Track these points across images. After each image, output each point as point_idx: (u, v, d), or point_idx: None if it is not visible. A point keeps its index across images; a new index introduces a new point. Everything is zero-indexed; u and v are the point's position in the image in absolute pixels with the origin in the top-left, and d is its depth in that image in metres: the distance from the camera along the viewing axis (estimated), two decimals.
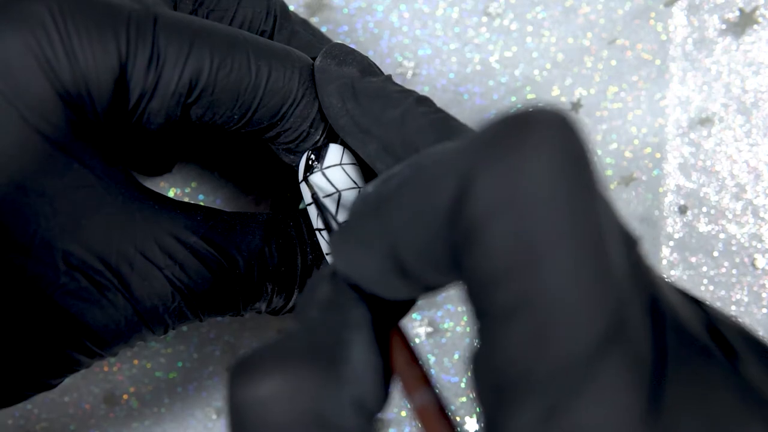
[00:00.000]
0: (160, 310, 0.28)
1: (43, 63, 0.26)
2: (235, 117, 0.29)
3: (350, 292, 0.20)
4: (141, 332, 0.28)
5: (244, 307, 0.30)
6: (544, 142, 0.15)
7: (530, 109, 0.16)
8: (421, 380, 0.19)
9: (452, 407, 0.19)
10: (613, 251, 0.16)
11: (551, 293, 0.15)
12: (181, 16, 0.28)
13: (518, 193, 0.15)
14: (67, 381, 0.37)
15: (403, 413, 0.38)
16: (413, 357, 0.20)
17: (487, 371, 0.16)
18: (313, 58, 0.30)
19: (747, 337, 0.19)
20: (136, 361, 0.38)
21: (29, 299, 0.27)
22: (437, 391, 0.19)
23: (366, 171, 0.30)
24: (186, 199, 0.38)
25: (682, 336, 0.17)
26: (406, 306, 0.21)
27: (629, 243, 0.17)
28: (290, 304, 0.31)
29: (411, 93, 0.28)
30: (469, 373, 0.17)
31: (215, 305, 0.29)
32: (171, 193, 0.38)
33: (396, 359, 0.20)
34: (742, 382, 0.17)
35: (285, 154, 0.31)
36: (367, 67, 0.28)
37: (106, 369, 0.38)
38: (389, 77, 0.28)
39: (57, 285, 0.27)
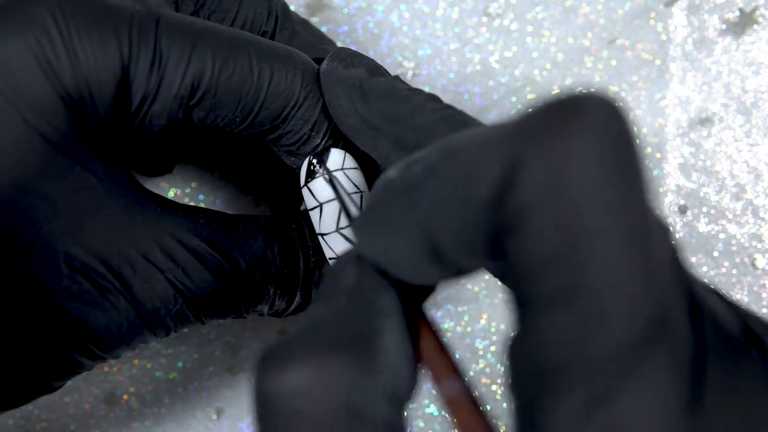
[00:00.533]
0: (162, 312, 0.28)
1: (44, 65, 0.26)
2: (237, 119, 0.29)
3: (378, 277, 0.20)
4: (143, 335, 0.28)
5: (246, 310, 0.30)
6: (594, 128, 0.15)
7: (578, 95, 0.16)
8: (450, 369, 0.19)
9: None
10: (658, 243, 0.16)
11: (598, 283, 0.15)
12: (183, 18, 0.28)
13: (567, 180, 0.15)
14: (68, 381, 0.37)
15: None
16: (441, 345, 0.19)
17: (528, 358, 0.16)
18: (315, 59, 0.30)
19: None
20: (136, 362, 0.38)
21: (32, 302, 0.27)
22: (467, 380, 0.19)
23: (367, 175, 0.30)
24: (186, 200, 0.38)
25: (720, 333, 0.17)
26: (427, 291, 0.21)
27: (666, 233, 0.17)
28: (292, 307, 0.31)
29: (420, 91, 0.28)
30: (505, 362, 0.17)
31: (217, 308, 0.29)
32: (171, 194, 0.38)
33: (424, 347, 0.19)
34: None
35: (286, 156, 0.31)
36: (375, 69, 0.28)
37: (106, 369, 0.38)
38: (397, 77, 0.28)
39: (59, 288, 0.27)
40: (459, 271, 0.19)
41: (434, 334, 0.20)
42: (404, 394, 0.19)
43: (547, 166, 0.15)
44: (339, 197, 0.28)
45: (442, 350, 0.19)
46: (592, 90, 0.16)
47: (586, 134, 0.15)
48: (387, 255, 0.19)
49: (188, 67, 0.27)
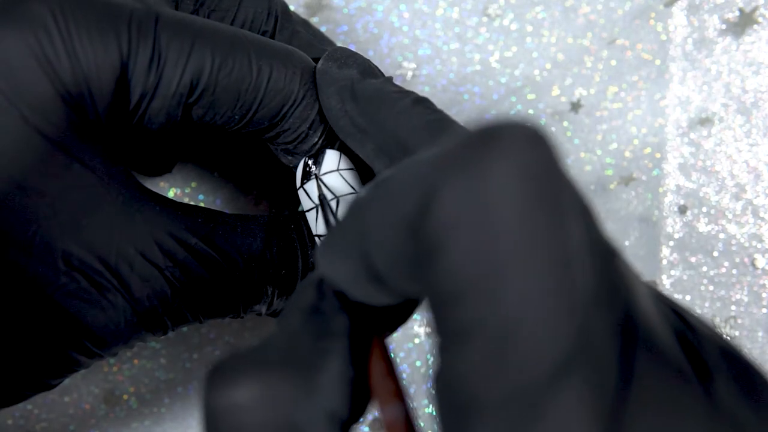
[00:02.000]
0: (160, 311, 0.28)
1: (44, 63, 0.26)
2: (236, 117, 0.29)
3: (333, 300, 0.20)
4: (140, 333, 0.28)
5: (244, 310, 0.30)
6: (509, 157, 0.15)
7: (499, 123, 0.16)
8: (393, 394, 0.19)
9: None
10: (580, 269, 0.15)
11: (510, 315, 0.15)
12: (183, 16, 0.28)
13: (480, 210, 0.15)
14: (67, 381, 0.37)
15: None
16: (389, 369, 0.19)
17: (449, 390, 0.16)
18: (314, 59, 0.30)
19: (729, 354, 0.18)
20: (136, 361, 0.38)
21: (30, 299, 0.27)
22: (409, 406, 0.19)
23: (364, 176, 0.30)
24: (186, 199, 0.38)
25: (654, 355, 0.17)
26: (398, 317, 0.21)
27: (606, 256, 0.16)
28: None
29: (409, 94, 0.28)
30: (431, 392, 0.17)
31: (215, 307, 0.29)
32: (171, 193, 0.38)
33: (373, 370, 0.20)
34: (712, 408, 0.17)
35: (283, 155, 0.31)
36: (368, 69, 0.28)
37: (106, 369, 0.38)
38: (389, 79, 0.28)
39: (57, 285, 0.27)
40: (404, 293, 0.18)
41: (384, 358, 0.20)
42: (346, 415, 0.19)
43: (461, 195, 0.15)
44: (322, 206, 0.29)
45: (389, 375, 0.19)
46: (516, 118, 0.16)
47: (502, 163, 0.15)
48: (337, 276, 0.20)
49: (187, 65, 0.27)
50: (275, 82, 0.28)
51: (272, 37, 0.32)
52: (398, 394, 0.19)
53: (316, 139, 0.29)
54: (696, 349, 0.18)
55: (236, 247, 0.29)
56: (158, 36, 0.27)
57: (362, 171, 0.30)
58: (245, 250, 0.29)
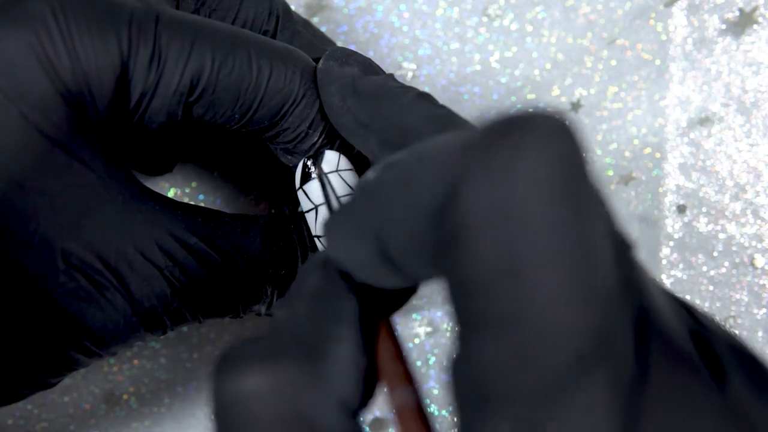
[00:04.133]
0: (159, 310, 0.28)
1: (44, 62, 0.26)
2: (236, 116, 0.29)
3: (340, 282, 0.20)
4: (139, 332, 0.28)
5: (244, 310, 0.30)
6: (539, 148, 0.15)
7: (528, 113, 0.16)
8: (402, 378, 0.19)
9: (433, 407, 0.19)
10: (604, 262, 0.15)
11: (534, 309, 0.15)
12: (183, 15, 0.28)
13: (507, 201, 0.15)
14: (67, 381, 0.37)
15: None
16: (398, 352, 0.19)
17: (468, 380, 0.16)
18: (315, 59, 0.30)
19: (738, 350, 0.18)
20: (136, 361, 0.38)
21: (29, 298, 0.27)
22: (420, 389, 0.18)
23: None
24: (186, 199, 0.38)
25: (668, 351, 0.17)
26: (402, 297, 0.21)
27: (622, 248, 0.17)
28: None
29: (412, 89, 0.28)
30: (449, 380, 0.17)
31: (214, 307, 0.29)
32: (171, 193, 0.38)
33: (381, 354, 0.19)
34: (725, 405, 0.17)
35: (283, 155, 0.31)
36: (369, 67, 0.28)
37: (106, 369, 0.38)
38: (390, 75, 0.28)
39: (56, 284, 0.27)
40: (416, 277, 0.18)
41: (393, 341, 0.19)
42: (356, 403, 0.19)
43: (488, 185, 0.15)
44: (327, 201, 0.29)
45: (398, 358, 0.19)
46: (542, 107, 0.16)
47: (533, 154, 0.15)
48: (348, 257, 0.19)
49: (187, 64, 0.27)
50: (275, 81, 0.28)
51: (273, 36, 0.32)
52: (408, 377, 0.19)
53: (316, 138, 0.30)
54: (709, 345, 0.18)
55: (236, 247, 0.29)
56: (158, 35, 0.27)
57: (362, 171, 0.30)
58: (245, 250, 0.29)
